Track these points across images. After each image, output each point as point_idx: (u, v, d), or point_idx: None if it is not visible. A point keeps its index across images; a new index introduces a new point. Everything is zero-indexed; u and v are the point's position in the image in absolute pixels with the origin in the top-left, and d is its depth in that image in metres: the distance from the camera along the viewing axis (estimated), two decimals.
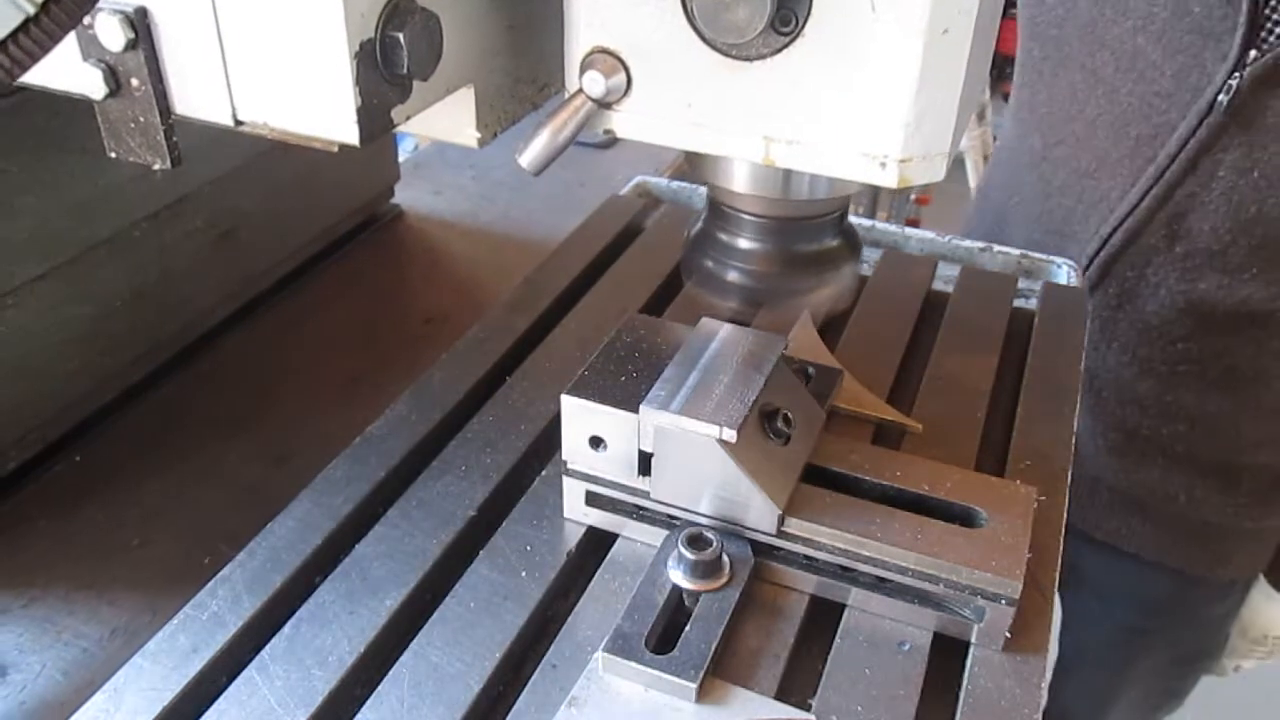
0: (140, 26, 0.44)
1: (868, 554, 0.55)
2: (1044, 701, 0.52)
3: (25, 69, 0.32)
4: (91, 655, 0.67)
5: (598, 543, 0.62)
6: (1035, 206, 1.11)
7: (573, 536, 0.62)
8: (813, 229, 0.58)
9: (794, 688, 0.54)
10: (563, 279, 0.87)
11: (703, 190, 1.02)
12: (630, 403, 0.57)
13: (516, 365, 0.76)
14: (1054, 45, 1.04)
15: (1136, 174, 0.97)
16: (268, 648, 0.54)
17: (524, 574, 0.59)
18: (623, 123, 0.48)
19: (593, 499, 0.61)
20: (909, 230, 0.98)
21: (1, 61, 0.31)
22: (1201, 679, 1.30)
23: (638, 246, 0.93)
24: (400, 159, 1.26)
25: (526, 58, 0.54)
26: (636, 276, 0.88)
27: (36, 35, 0.31)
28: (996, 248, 0.95)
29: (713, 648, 0.52)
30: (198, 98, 0.46)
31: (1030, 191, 1.12)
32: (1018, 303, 0.89)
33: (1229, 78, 0.88)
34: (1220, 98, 0.88)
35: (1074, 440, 0.71)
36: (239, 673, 0.53)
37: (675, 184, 1.04)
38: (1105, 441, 1.09)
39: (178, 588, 0.60)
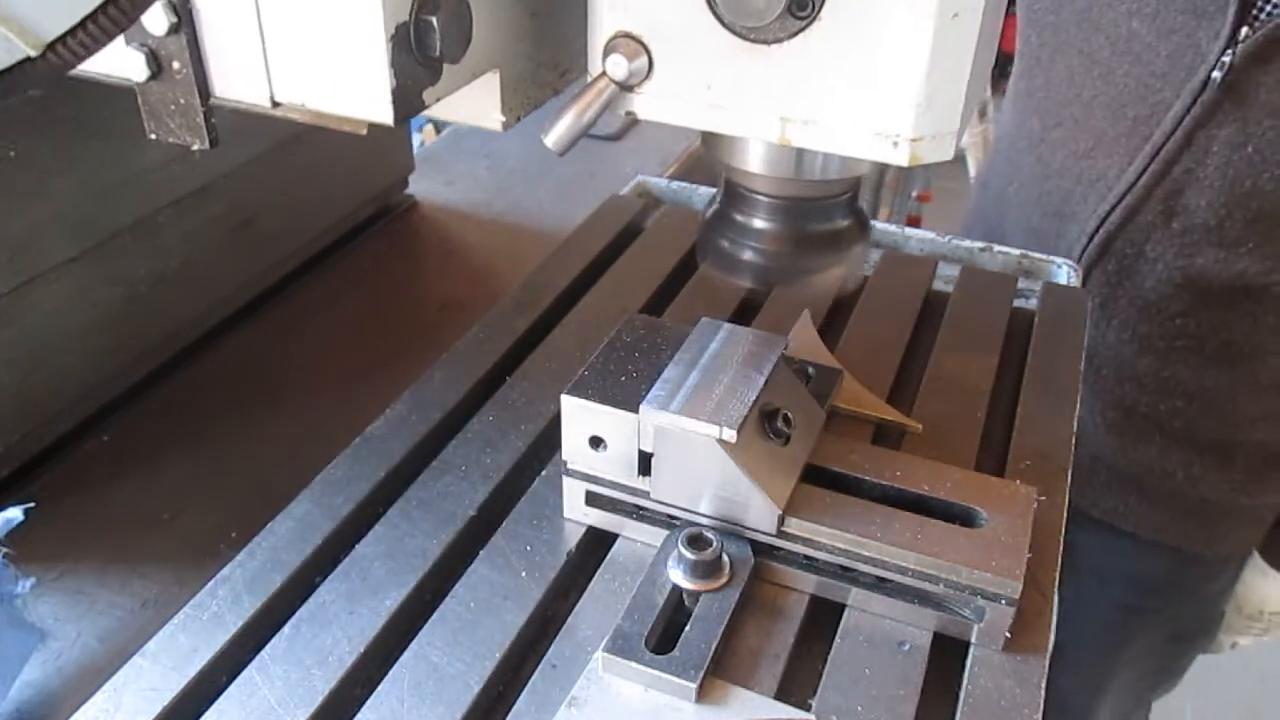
0: (183, 11, 0.45)
1: (868, 554, 0.56)
2: (1044, 700, 0.52)
3: (105, 43, 0.32)
4: (125, 624, 0.68)
5: (598, 543, 0.62)
6: (1034, 189, 1.11)
7: (573, 536, 0.62)
8: (826, 209, 0.58)
9: (794, 688, 0.54)
10: (563, 279, 0.87)
11: (702, 191, 1.02)
12: (630, 403, 0.57)
13: (516, 365, 0.76)
14: (1051, 32, 1.05)
15: (1133, 153, 0.98)
16: (268, 648, 0.54)
17: (524, 574, 0.59)
18: (644, 105, 0.49)
19: (593, 499, 0.61)
20: (909, 230, 0.98)
21: (93, 31, 0.31)
22: (1197, 659, 1.31)
23: (638, 246, 0.93)
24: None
25: (549, 43, 0.55)
26: (636, 276, 0.88)
27: (114, 14, 0.32)
28: (997, 248, 0.95)
29: (713, 648, 0.52)
30: (236, 80, 0.47)
31: (1029, 174, 1.12)
32: (1018, 303, 0.89)
33: (1222, 55, 0.89)
34: (1214, 75, 0.89)
35: (1074, 439, 0.71)
36: (239, 673, 0.53)
37: (675, 184, 1.04)
38: (1104, 420, 1.10)
39: (206, 561, 0.61)
